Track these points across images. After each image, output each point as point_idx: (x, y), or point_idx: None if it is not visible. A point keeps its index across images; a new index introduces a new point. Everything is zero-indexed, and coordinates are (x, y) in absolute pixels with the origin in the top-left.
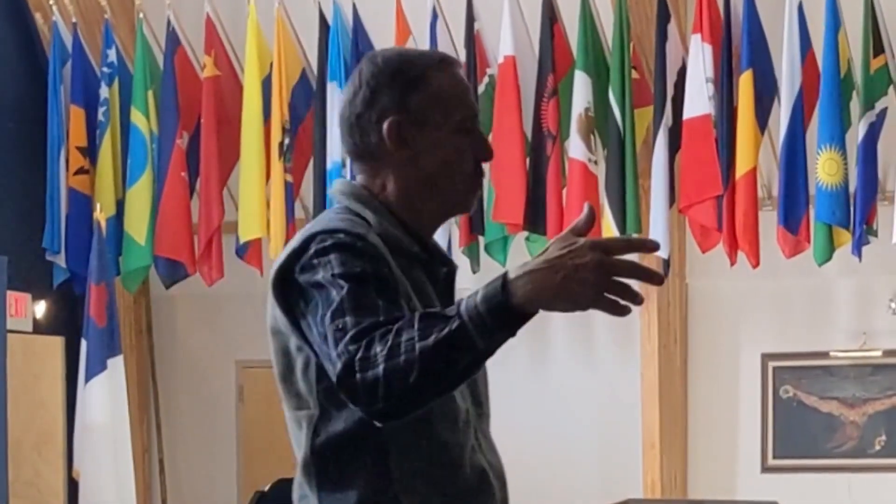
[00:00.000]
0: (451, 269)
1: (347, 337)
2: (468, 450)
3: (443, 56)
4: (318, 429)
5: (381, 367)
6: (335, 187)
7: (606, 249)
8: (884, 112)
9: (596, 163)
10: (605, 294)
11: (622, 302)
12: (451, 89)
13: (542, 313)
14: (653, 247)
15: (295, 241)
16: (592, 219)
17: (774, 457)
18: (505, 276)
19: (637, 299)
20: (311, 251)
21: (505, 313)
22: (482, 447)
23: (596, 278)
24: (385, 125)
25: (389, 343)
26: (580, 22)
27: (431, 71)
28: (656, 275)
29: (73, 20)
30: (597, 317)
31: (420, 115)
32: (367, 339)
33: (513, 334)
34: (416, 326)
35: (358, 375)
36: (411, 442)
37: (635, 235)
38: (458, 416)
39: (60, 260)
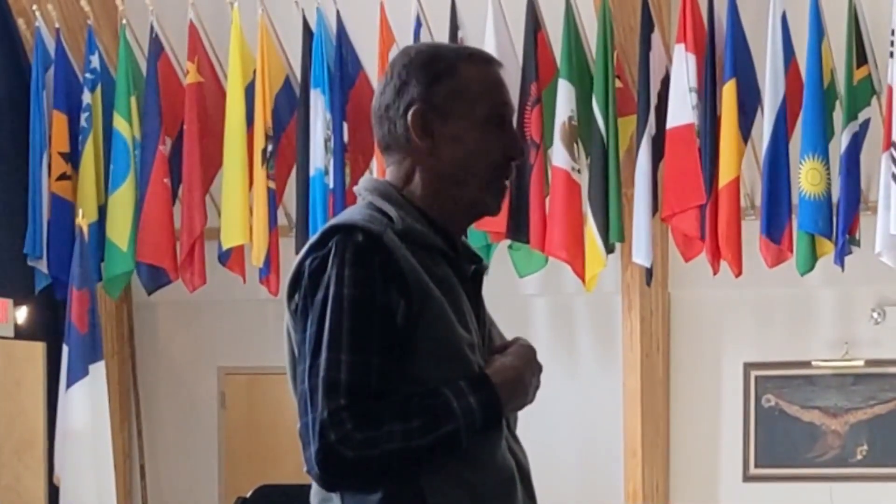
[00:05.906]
0: (480, 268)
1: (342, 403)
2: (499, 448)
3: (474, 50)
4: None
5: (376, 451)
6: (360, 184)
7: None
8: (867, 122)
9: (579, 171)
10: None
11: None
12: (479, 82)
13: (523, 317)
14: None
15: (315, 237)
16: None
17: (756, 466)
18: (491, 382)
19: None
20: (328, 251)
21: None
22: (510, 444)
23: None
24: (409, 114)
25: (385, 430)
26: (564, 30)
27: (460, 63)
28: None
29: (56, 26)
30: (579, 325)
31: (445, 106)
32: (360, 418)
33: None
34: (415, 416)
35: (351, 454)
36: None
37: None
38: None
39: (42, 265)
